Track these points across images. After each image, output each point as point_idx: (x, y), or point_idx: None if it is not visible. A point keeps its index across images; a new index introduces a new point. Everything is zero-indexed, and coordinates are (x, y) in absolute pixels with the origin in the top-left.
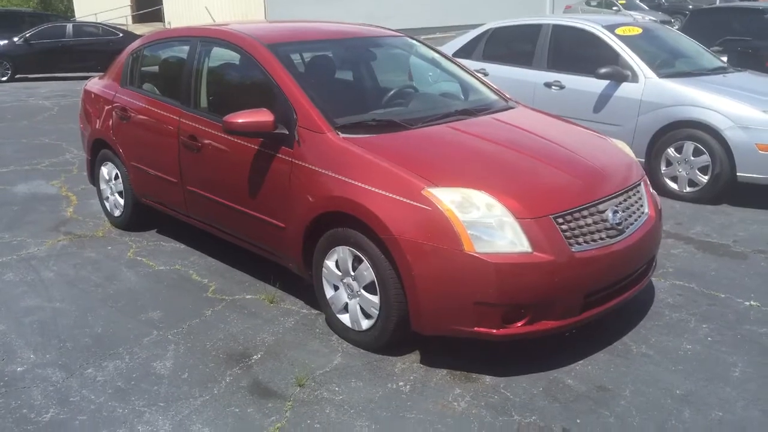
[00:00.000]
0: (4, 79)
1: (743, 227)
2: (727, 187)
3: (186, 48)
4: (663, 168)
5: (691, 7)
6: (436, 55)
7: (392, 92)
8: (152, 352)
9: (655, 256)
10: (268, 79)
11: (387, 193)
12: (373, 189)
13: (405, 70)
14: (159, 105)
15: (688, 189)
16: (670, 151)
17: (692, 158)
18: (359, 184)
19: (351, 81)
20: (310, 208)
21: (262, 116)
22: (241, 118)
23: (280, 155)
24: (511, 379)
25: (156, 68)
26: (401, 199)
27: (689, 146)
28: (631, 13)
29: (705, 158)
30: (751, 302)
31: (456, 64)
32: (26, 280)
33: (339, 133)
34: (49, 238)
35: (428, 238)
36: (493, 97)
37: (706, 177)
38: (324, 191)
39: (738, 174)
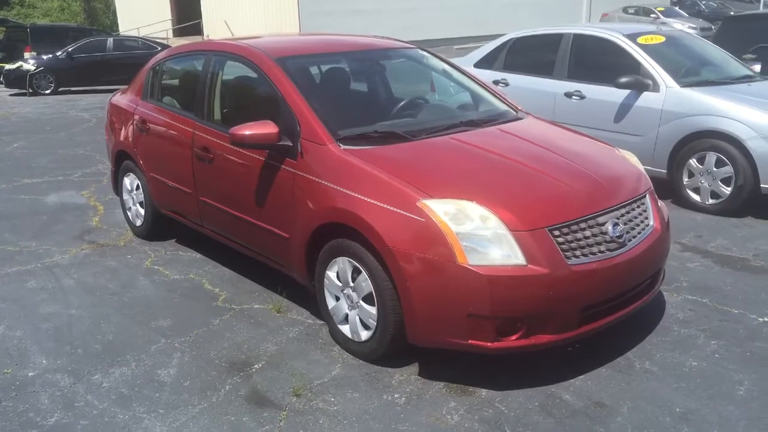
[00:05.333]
0: (48, 92)
1: (766, 241)
2: (752, 199)
3: (201, 62)
4: (685, 179)
5: (732, 13)
6: (447, 66)
7: (399, 104)
8: (158, 359)
9: (662, 269)
10: (275, 91)
11: (383, 205)
12: (370, 200)
13: (415, 81)
14: (176, 117)
15: (710, 201)
16: (692, 161)
17: (715, 169)
18: (357, 195)
19: (359, 93)
20: (312, 219)
21: (267, 128)
22: (247, 130)
23: (284, 167)
24: (508, 393)
25: (174, 82)
26: (397, 210)
27: (711, 157)
28: (669, 20)
29: (728, 169)
30: (765, 318)
31: (467, 75)
32: (47, 288)
33: (340, 144)
34: (73, 246)
35: (422, 249)
36: (503, 108)
37: (729, 188)
38: (324, 202)
39: (762, 186)
